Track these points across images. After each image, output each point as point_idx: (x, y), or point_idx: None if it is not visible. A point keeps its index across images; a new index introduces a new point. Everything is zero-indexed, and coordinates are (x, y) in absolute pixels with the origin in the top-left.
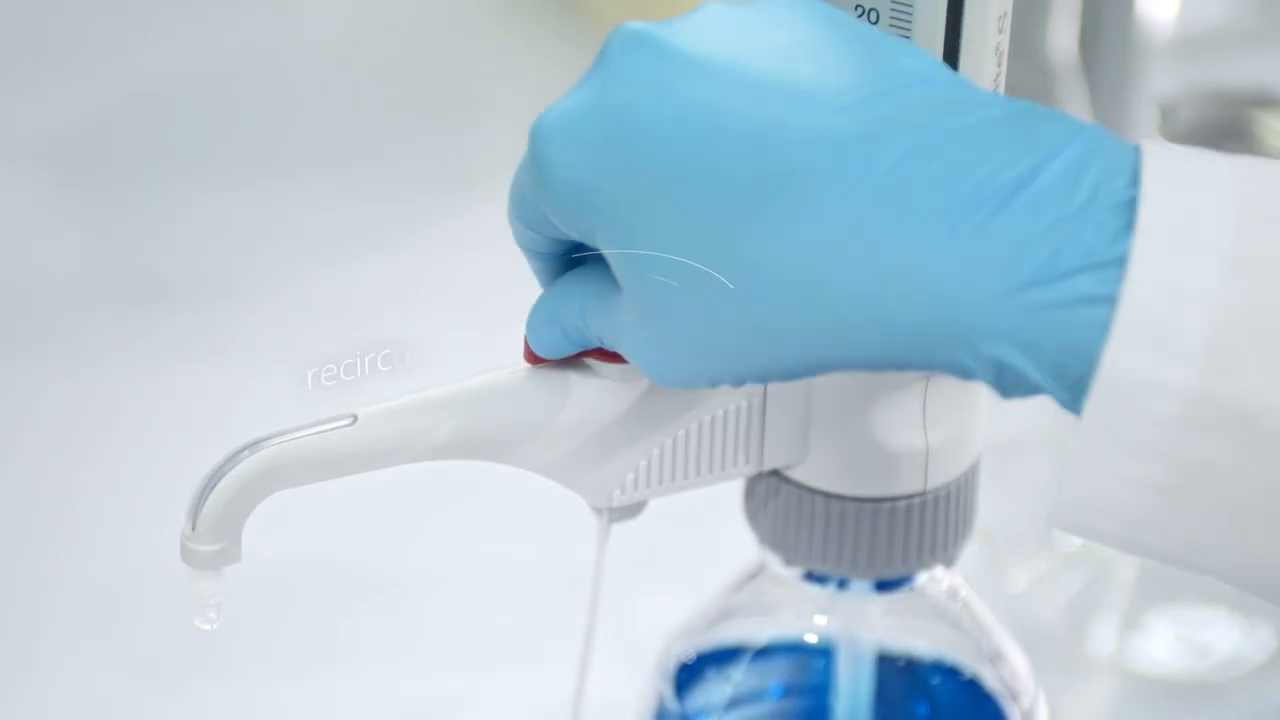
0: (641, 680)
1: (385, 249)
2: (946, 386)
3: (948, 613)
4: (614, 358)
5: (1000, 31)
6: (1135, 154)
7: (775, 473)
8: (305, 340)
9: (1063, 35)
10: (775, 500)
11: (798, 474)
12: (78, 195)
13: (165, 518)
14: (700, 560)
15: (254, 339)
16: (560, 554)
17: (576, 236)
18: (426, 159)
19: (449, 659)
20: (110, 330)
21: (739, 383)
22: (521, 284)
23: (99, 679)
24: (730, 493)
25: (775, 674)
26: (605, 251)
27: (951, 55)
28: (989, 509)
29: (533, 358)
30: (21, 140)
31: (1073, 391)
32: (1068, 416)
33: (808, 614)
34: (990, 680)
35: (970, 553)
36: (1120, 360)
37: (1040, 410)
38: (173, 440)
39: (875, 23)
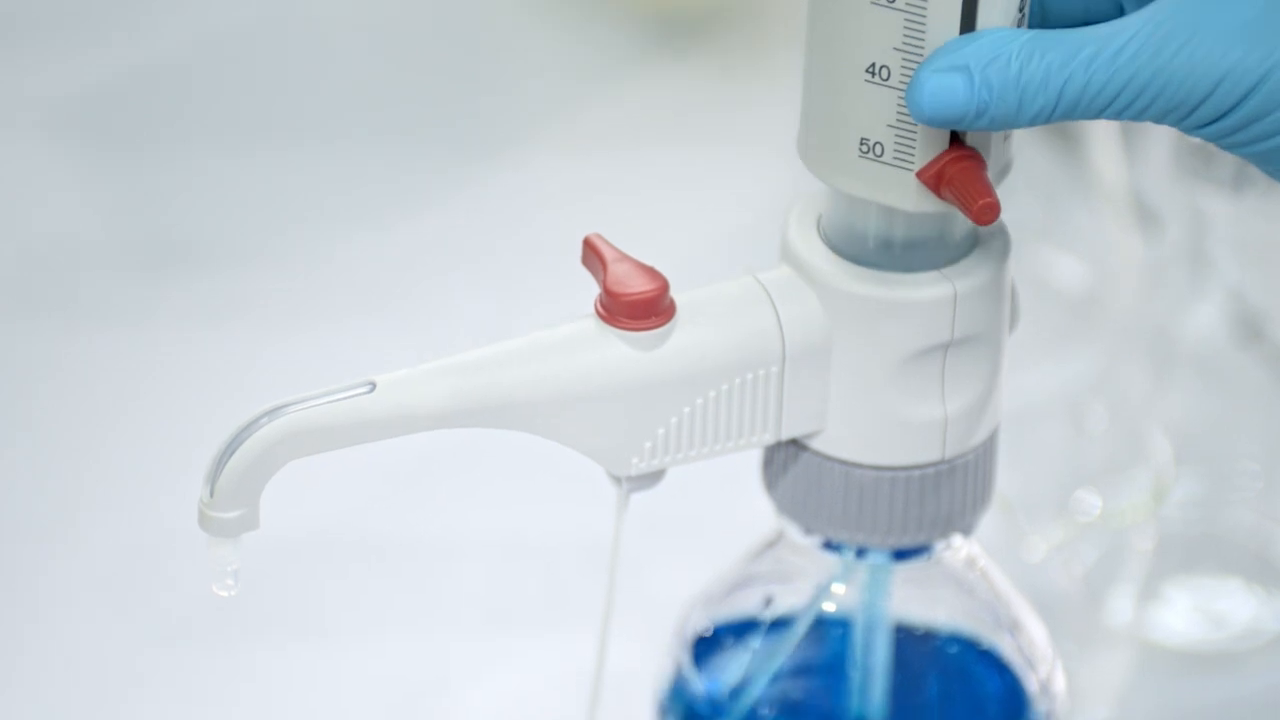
0: (659, 649)
1: (408, 215)
2: (966, 356)
3: (965, 582)
4: (639, 324)
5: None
6: None
7: (794, 442)
8: (327, 307)
9: None
10: (793, 469)
11: (816, 443)
12: (99, 161)
13: (185, 484)
14: (718, 530)
15: (276, 305)
16: (580, 523)
17: None
18: (449, 125)
19: (467, 627)
20: (131, 296)
21: None
22: (541, 251)
23: (117, 644)
24: (748, 462)
25: (792, 643)
26: None
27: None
28: (1007, 478)
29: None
30: (42, 106)
31: None
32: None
33: (826, 583)
34: (1008, 649)
35: (988, 522)
36: None
37: (1059, 379)
38: (193, 406)
39: None
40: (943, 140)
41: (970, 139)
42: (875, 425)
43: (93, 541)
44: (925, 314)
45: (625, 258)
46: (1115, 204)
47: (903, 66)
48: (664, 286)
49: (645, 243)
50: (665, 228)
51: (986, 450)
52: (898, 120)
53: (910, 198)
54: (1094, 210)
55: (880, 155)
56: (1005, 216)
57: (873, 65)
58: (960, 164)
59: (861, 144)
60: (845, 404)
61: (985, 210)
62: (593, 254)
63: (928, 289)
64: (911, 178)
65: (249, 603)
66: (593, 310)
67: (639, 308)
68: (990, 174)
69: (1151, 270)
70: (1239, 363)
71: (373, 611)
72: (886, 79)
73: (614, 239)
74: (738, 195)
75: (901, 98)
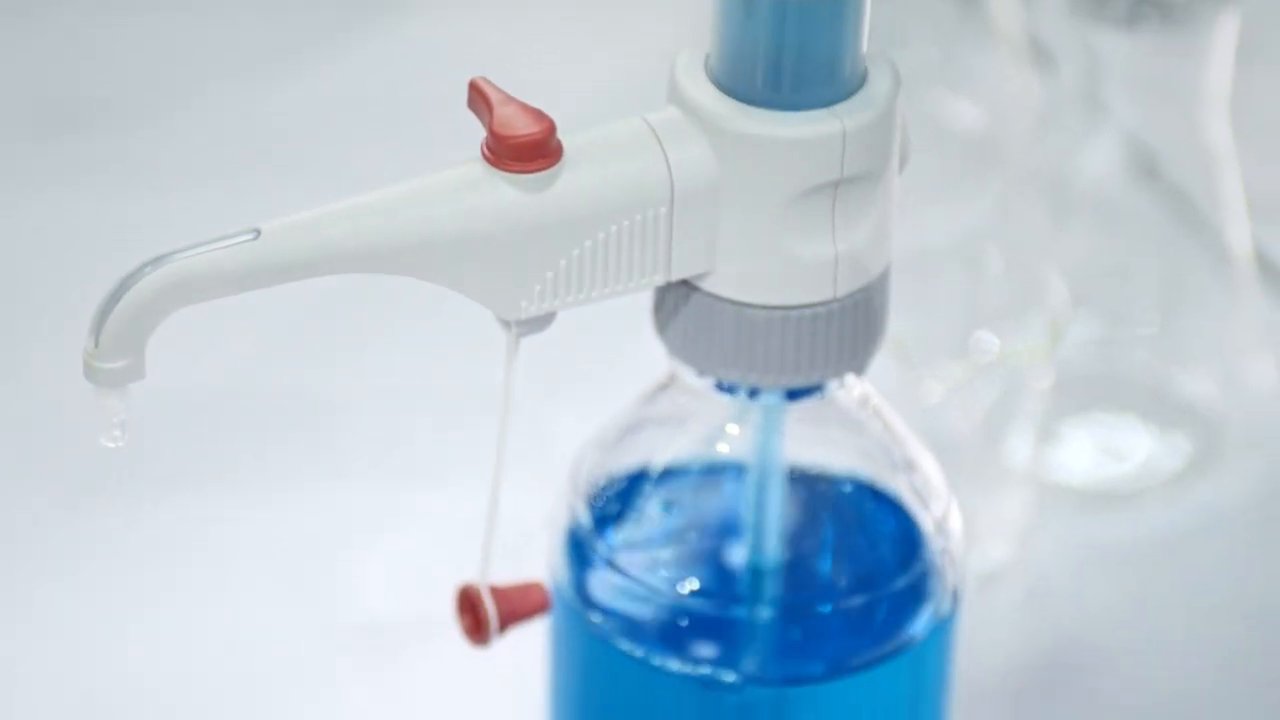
0: (554, 495)
1: (295, 70)
2: (856, 193)
3: (859, 421)
4: (526, 166)
5: None
6: None
7: (685, 283)
8: (217, 164)
9: None
10: (684, 311)
11: (707, 284)
12: None
13: (73, 343)
14: (612, 374)
15: (165, 164)
16: (473, 371)
17: None
18: None
19: (363, 478)
20: (17, 155)
21: None
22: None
23: (11, 506)
24: (640, 304)
25: (687, 485)
26: None
27: None
28: (904, 322)
29: None
30: None
31: None
32: (983, 229)
33: (719, 424)
34: (903, 488)
35: (885, 365)
36: None
37: (956, 223)
38: (82, 266)
39: None
40: None
41: None
42: (766, 264)
43: None
44: (814, 152)
45: (511, 100)
46: (1010, 45)
47: None
48: (550, 128)
49: (536, 90)
50: (556, 75)
51: (878, 288)
52: None
53: None
54: (989, 52)
55: None
56: (900, 59)
57: None
58: None
59: None
60: (735, 244)
61: None
62: (479, 97)
63: (816, 126)
64: None
65: (141, 459)
66: (479, 154)
67: (525, 150)
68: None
69: (1047, 111)
70: (1135, 203)
71: (266, 465)
72: None
73: (504, 85)
74: (628, 42)
75: None
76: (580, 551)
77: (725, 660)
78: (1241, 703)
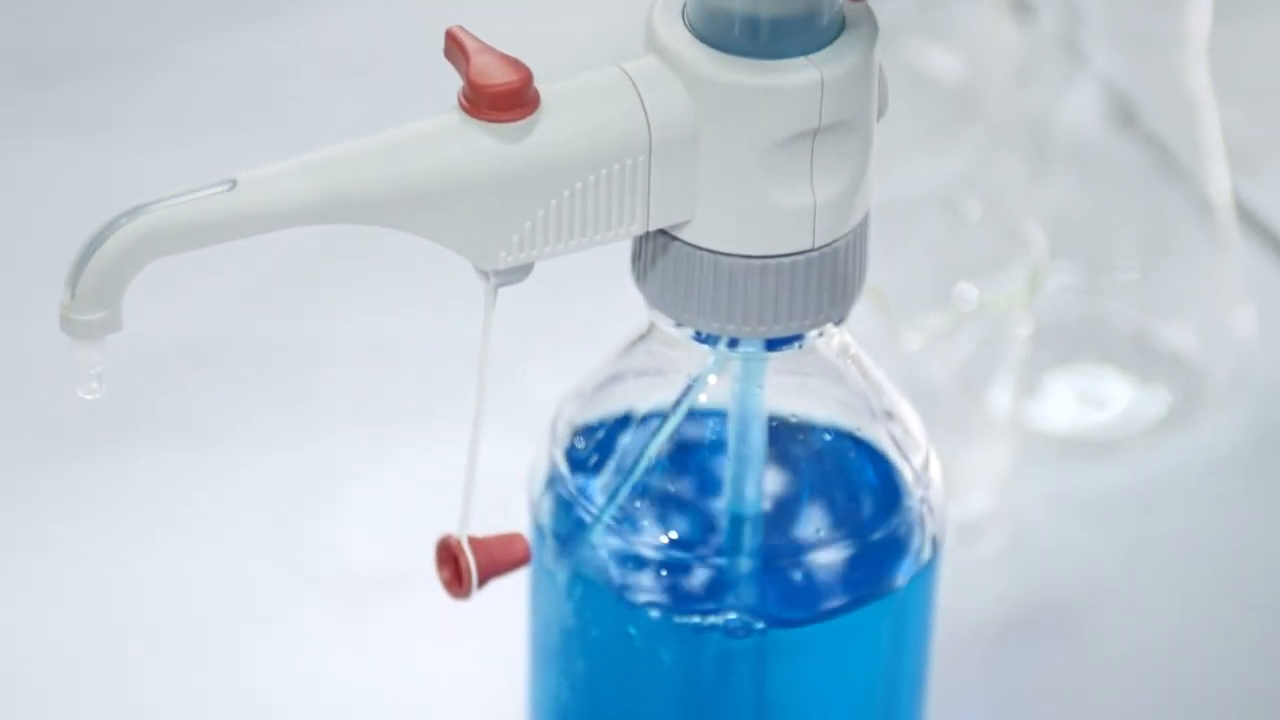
0: (534, 446)
1: (279, 18)
2: (834, 142)
3: (838, 371)
4: (503, 115)
5: None
6: None
7: (663, 233)
8: (192, 114)
9: None
10: (663, 260)
11: (685, 233)
12: None
13: (47, 295)
14: (591, 325)
15: (137, 114)
16: (452, 323)
17: None
18: None
19: (342, 430)
20: None
21: None
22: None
23: None
24: (619, 255)
25: (666, 436)
26: None
27: None
28: (883, 272)
29: None
30: None
31: None
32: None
33: (698, 375)
34: (882, 438)
35: (865, 316)
36: None
37: (935, 172)
38: (62, 217)
39: None
40: None
41: None
42: (744, 213)
43: None
44: (792, 100)
45: (488, 49)
46: None
47: None
48: (527, 77)
49: (512, 40)
50: (532, 24)
51: (857, 237)
52: None
53: None
54: (968, 0)
55: None
56: (879, 8)
57: None
58: None
59: None
60: (714, 193)
61: None
62: (455, 46)
63: (794, 75)
64: None
65: (121, 410)
66: (456, 103)
67: (502, 99)
68: None
69: (1026, 60)
70: (1115, 152)
71: (243, 417)
72: None
73: (481, 34)
74: None
75: None
76: (560, 502)
77: (706, 607)
78: (1223, 650)
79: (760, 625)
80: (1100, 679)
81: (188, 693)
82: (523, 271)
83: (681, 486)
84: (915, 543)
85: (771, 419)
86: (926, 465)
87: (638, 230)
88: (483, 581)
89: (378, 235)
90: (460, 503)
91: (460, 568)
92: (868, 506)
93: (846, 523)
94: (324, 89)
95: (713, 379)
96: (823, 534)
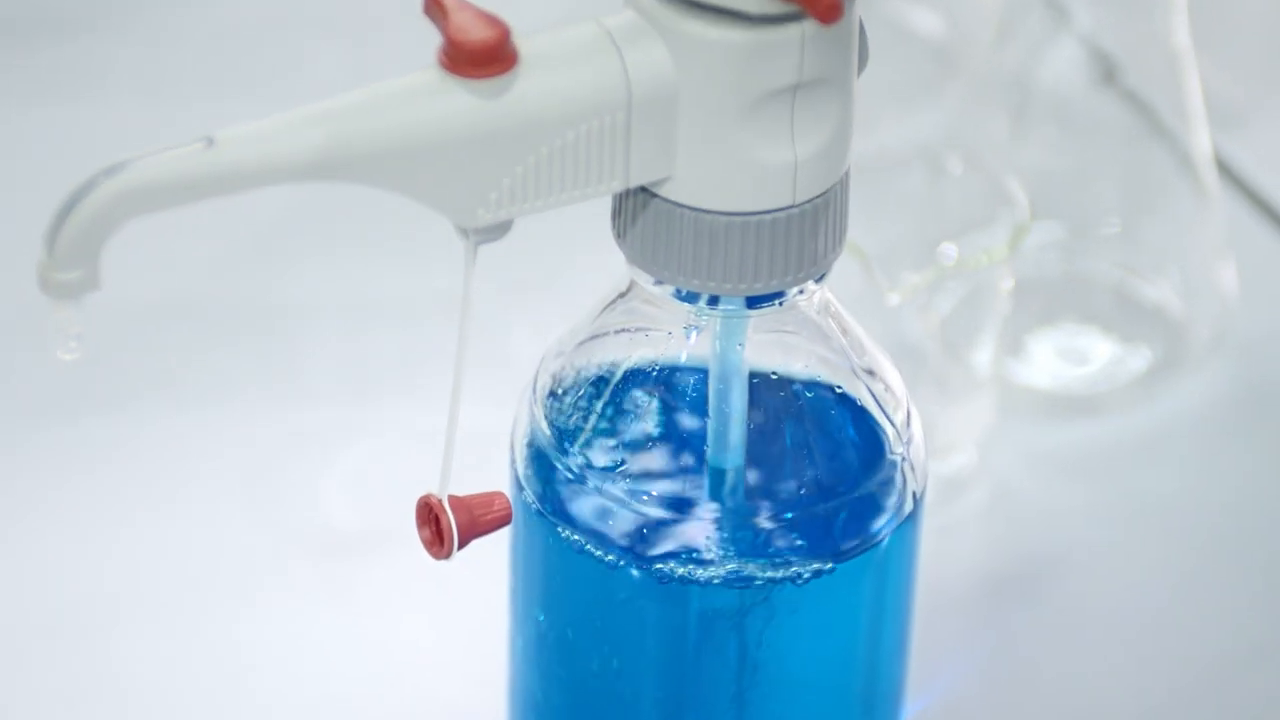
0: (515, 404)
1: None
2: (814, 98)
3: (820, 328)
4: (482, 71)
5: None
6: None
7: (643, 189)
8: (171, 74)
9: None
10: (643, 217)
11: (665, 190)
12: None
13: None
14: (571, 282)
15: (117, 74)
16: (432, 281)
17: None
18: None
19: (323, 389)
20: None
21: None
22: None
23: None
24: (599, 212)
25: (648, 393)
26: None
27: None
28: (865, 229)
29: None
30: None
31: None
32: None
33: (679, 332)
34: (863, 394)
35: (847, 273)
36: None
37: (916, 129)
38: (40, 175)
39: None
40: None
41: None
42: (724, 170)
43: None
44: (772, 56)
45: (467, 5)
46: None
47: None
48: (506, 33)
49: None
50: None
51: (838, 193)
52: None
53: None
54: None
55: None
56: None
57: None
58: None
59: None
60: (694, 149)
61: (830, 10)
62: (434, 3)
63: (774, 30)
64: None
65: (101, 373)
66: (435, 60)
67: (481, 55)
68: None
69: (1007, 16)
70: (1096, 108)
71: (224, 376)
72: None
73: None
74: None
75: None
76: (541, 460)
77: (688, 563)
78: (1204, 605)
79: (741, 580)
80: (1081, 634)
81: (170, 653)
82: (502, 229)
83: (663, 443)
84: (896, 499)
85: (753, 376)
86: (908, 422)
87: (618, 187)
88: (463, 542)
89: (359, 195)
90: (441, 462)
91: (441, 527)
92: (849, 463)
93: (828, 479)
94: (304, 49)
95: (693, 337)
96: (804, 490)
